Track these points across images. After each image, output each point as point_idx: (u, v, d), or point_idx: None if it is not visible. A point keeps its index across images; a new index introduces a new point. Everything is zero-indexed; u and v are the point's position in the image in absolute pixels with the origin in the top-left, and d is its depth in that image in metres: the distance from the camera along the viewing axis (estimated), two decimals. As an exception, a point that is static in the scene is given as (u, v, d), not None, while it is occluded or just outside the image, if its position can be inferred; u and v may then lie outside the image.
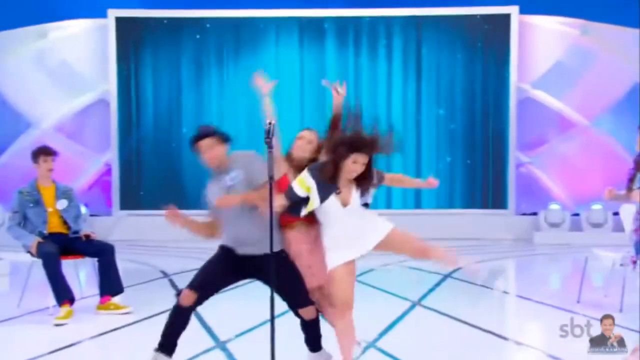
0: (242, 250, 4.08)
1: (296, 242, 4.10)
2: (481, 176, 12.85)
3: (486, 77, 12.83)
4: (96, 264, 6.42)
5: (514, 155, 12.75)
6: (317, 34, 13.00)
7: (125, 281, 6.53)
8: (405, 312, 6.23)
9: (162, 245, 11.33)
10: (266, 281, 3.95)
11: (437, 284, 7.77)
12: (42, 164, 6.35)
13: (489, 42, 12.79)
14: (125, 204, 12.92)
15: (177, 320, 4.13)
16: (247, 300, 6.85)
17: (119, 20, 12.90)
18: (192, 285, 4.11)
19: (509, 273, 9.65)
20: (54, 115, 12.96)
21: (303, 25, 12.98)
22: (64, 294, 6.04)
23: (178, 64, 13.02)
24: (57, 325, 5.82)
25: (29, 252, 6.24)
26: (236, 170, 4.07)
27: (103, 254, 6.34)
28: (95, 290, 6.64)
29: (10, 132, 12.88)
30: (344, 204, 3.80)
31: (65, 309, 5.98)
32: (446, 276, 8.27)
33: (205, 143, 4.12)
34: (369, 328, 5.52)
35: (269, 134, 3.65)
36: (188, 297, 4.07)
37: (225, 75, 13.04)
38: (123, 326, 5.80)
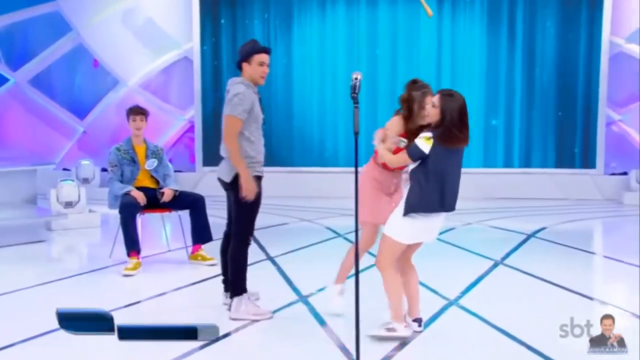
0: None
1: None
2: (569, 135, 12.43)
3: (577, 31, 12.29)
4: (181, 218, 6.59)
5: (604, 112, 12.24)
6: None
7: (209, 235, 6.69)
8: (488, 271, 6.15)
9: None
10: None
11: (521, 244, 7.63)
12: (132, 123, 6.54)
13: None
14: (209, 161, 13.16)
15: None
16: (328, 258, 6.95)
17: (202, -22, 13.02)
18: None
19: (596, 234, 9.38)
20: (140, 73, 13.28)
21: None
22: (131, 245, 6.20)
23: (261, 19, 13.04)
24: (125, 275, 6.02)
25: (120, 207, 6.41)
26: None
27: (195, 204, 6.51)
28: (181, 243, 6.86)
29: (98, 89, 13.30)
30: None
31: (134, 260, 6.16)
32: (530, 236, 8.11)
33: None
34: (451, 286, 5.50)
35: (354, 90, 3.61)
36: None
37: (312, 28, 12.99)
38: (207, 278, 5.95)
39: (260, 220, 9.22)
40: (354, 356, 3.45)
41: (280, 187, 11.39)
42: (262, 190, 4.75)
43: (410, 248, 4.35)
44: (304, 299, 5.17)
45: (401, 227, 4.14)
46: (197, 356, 3.92)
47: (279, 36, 12.94)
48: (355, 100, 3.58)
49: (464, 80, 12.50)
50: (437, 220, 4.20)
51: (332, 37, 12.91)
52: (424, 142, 4.00)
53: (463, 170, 12.66)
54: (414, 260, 4.43)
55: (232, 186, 4.65)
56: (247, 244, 4.72)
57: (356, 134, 3.55)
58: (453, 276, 5.97)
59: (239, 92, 4.54)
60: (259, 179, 4.70)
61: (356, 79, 3.64)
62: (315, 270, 6.18)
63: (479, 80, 12.58)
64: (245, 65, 4.67)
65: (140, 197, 6.28)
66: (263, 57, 4.66)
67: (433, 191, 4.03)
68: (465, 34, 12.63)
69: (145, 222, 8.22)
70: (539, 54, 12.44)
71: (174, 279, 5.96)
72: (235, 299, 4.64)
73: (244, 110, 4.52)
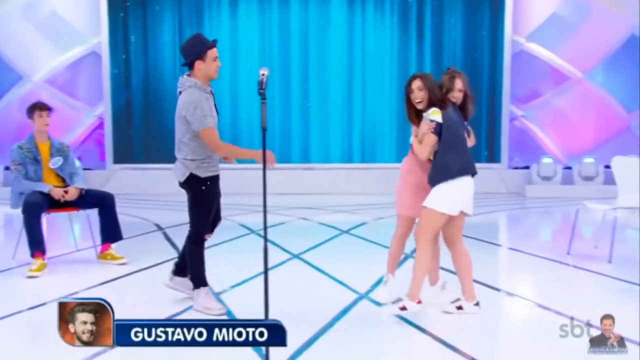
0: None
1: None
2: (475, 130, 12.71)
3: (480, 30, 12.73)
4: (90, 217, 6.43)
5: (508, 108, 12.74)
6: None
7: (120, 234, 6.57)
8: (400, 264, 6.27)
9: (155, 198, 11.35)
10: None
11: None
12: (37, 120, 6.29)
13: (483, -6, 12.71)
14: (120, 158, 12.90)
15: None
16: (241, 254, 6.95)
17: (109, -30, 12.70)
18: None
19: (501, 226, 9.73)
20: (46, 68, 12.84)
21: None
22: (36, 245, 6.00)
23: (171, 13, 12.84)
24: (29, 277, 5.82)
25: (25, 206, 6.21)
26: None
27: (103, 203, 6.37)
28: (89, 243, 6.70)
29: (0, 85, 12.78)
30: None
31: (38, 261, 5.96)
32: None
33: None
34: (362, 280, 5.61)
35: (261, 85, 3.63)
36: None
37: (224, 26, 12.88)
38: (118, 277, 5.85)
39: (172, 217, 9.13)
40: (264, 352, 3.47)
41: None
42: (218, 189, 4.84)
43: (455, 226, 4.63)
44: (216, 296, 5.14)
45: (439, 198, 4.45)
46: (109, 355, 3.85)
47: (188, 30, 12.76)
48: (263, 96, 3.60)
49: (375, 78, 12.72)
50: (466, 187, 4.52)
51: (245, 36, 12.85)
52: (435, 115, 4.57)
53: (376, 165, 12.89)
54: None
55: (185, 186, 4.72)
56: (200, 244, 4.79)
57: (264, 129, 3.57)
58: (364, 270, 6.06)
59: (194, 102, 4.57)
60: (214, 178, 4.75)
61: (263, 74, 3.67)
62: (228, 267, 6.16)
63: (390, 79, 12.82)
64: (199, 63, 4.63)
65: (59, 193, 6.15)
66: (215, 51, 4.71)
67: (451, 157, 4.46)
68: (377, 34, 12.85)
69: (52, 222, 7.99)
70: (446, 52, 12.79)
71: (82, 279, 5.80)
72: (195, 292, 4.80)
73: (208, 117, 4.61)
